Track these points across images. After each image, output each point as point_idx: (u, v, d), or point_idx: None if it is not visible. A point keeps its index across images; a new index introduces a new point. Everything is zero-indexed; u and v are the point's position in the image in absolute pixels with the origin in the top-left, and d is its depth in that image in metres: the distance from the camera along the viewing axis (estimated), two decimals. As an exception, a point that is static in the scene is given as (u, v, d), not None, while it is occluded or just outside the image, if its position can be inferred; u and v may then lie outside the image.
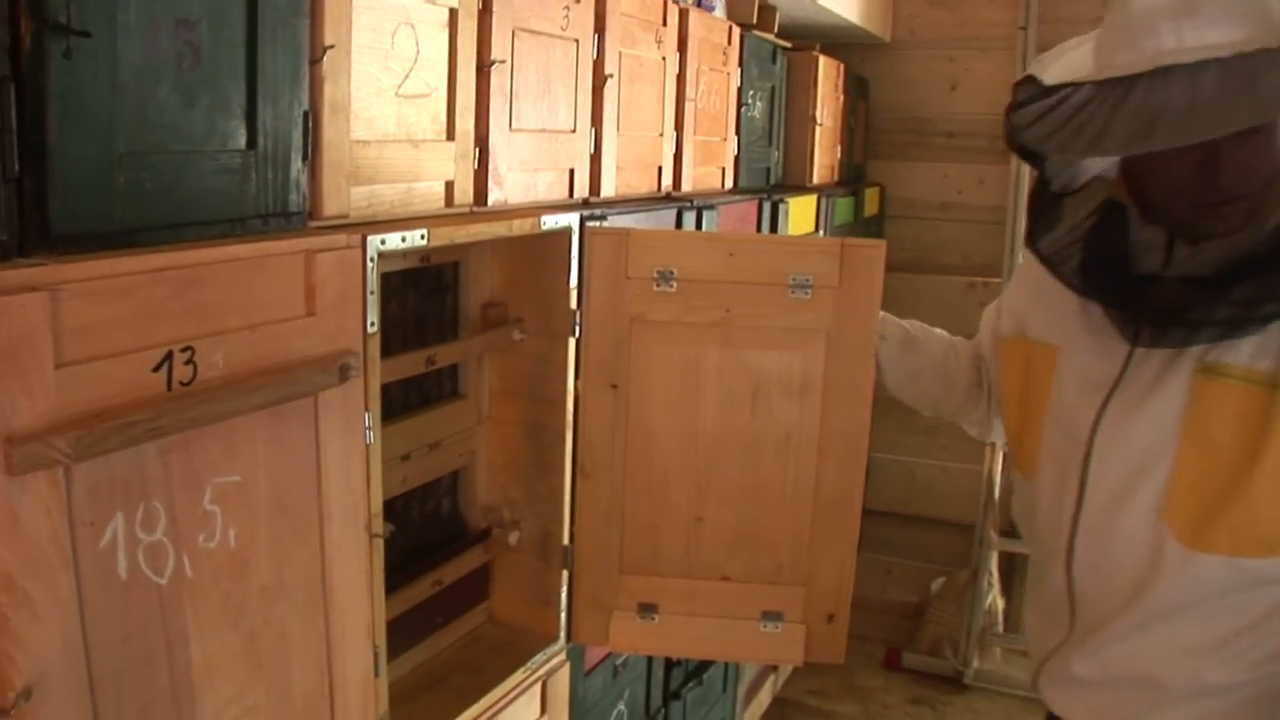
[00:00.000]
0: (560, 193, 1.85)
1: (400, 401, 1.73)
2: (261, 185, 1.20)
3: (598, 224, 1.76)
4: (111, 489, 1.00)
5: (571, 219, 1.72)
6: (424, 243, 1.37)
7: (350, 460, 1.28)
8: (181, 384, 1.05)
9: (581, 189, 1.90)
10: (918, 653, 3.90)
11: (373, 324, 1.29)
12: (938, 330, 1.74)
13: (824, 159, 3.34)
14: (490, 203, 1.62)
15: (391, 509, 1.70)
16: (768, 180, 2.95)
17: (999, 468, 3.71)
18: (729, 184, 2.62)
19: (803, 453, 1.68)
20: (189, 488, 1.08)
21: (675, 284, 1.63)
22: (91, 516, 0.99)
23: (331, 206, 1.31)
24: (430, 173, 1.50)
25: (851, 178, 3.76)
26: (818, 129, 3.22)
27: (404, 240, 1.34)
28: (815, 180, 3.25)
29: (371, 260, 1.28)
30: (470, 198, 1.59)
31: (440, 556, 1.79)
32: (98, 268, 0.98)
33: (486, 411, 1.90)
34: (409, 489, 1.74)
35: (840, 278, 1.58)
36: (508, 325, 1.82)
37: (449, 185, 1.54)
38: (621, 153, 2.01)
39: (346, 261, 1.24)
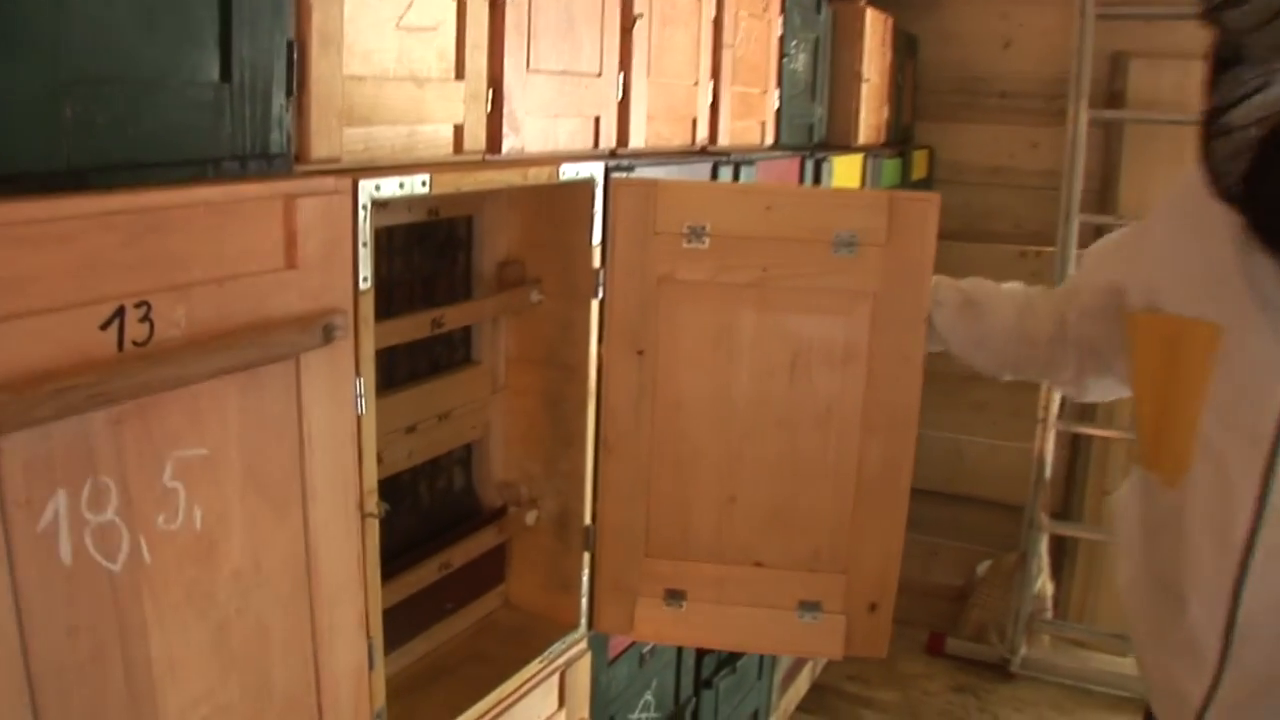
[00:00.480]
0: (584, 142, 1.70)
1: (406, 368, 1.60)
2: (238, 123, 1.06)
3: (624, 175, 1.62)
4: (51, 463, 0.87)
5: (595, 169, 1.58)
6: (425, 190, 1.23)
7: (338, 432, 1.15)
8: (135, 344, 0.92)
9: (608, 139, 1.75)
10: (962, 638, 3.76)
11: (365, 280, 1.15)
12: (1008, 285, 1.55)
13: (870, 118, 3.19)
14: (505, 150, 1.48)
15: (396, 485, 1.58)
16: (810, 138, 2.81)
17: (1050, 446, 3.54)
18: (769, 140, 2.47)
19: (845, 427, 1.56)
20: (146, 462, 0.95)
21: (707, 240, 1.51)
22: (28, 495, 0.86)
23: (321, 148, 1.17)
24: (436, 115, 1.35)
25: (899, 139, 3.61)
26: (864, 85, 3.07)
27: (402, 187, 1.19)
28: (861, 140, 3.10)
29: (364, 208, 1.14)
30: (482, 144, 1.44)
31: (449, 537, 1.65)
32: (30, 210, 0.84)
33: (502, 380, 1.76)
34: (416, 464, 1.61)
35: (889, 234, 1.45)
36: (525, 285, 1.68)
37: (458, 129, 1.40)
38: (652, 101, 1.86)
39: (334, 209, 1.10)
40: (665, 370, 1.57)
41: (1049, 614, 3.72)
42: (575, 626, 1.76)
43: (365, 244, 1.14)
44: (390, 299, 1.52)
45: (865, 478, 1.57)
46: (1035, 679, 3.61)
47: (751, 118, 2.36)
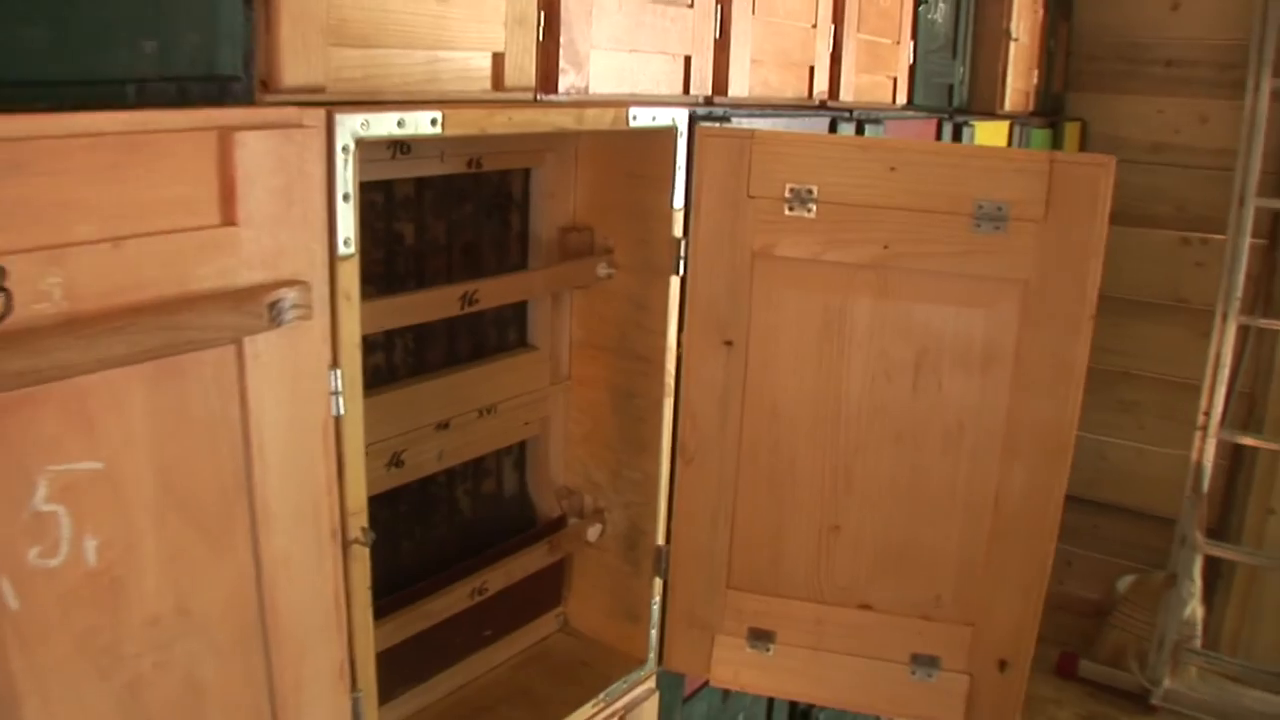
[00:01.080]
0: (672, 86, 1.42)
1: (442, 352, 1.34)
2: (168, 34, 0.80)
3: (714, 124, 1.33)
4: None
5: (676, 115, 1.29)
6: (436, 130, 0.96)
7: (305, 440, 0.89)
8: (-18, 321, 0.66)
9: (702, 84, 1.47)
10: (1097, 661, 3.46)
11: (347, 243, 0.89)
12: None
13: (1018, 82, 2.89)
14: (562, 89, 1.20)
15: (427, 490, 1.34)
16: (949, 99, 2.52)
17: (1210, 455, 3.18)
18: (901, 99, 2.17)
19: (981, 447, 1.35)
20: (5, 479, 0.70)
21: (814, 207, 1.29)
22: None
23: (296, 74, 0.90)
24: (465, 40, 1.08)
25: (1049, 109, 3.30)
26: (1012, 45, 2.77)
27: (401, 125, 0.92)
28: (1007, 107, 2.80)
29: (344, 149, 0.87)
30: (532, 80, 1.17)
31: (488, 556, 1.39)
32: None
33: (565, 369, 1.50)
34: (448, 466, 1.35)
35: (1048, 206, 1.18)
36: (592, 256, 1.41)
37: (498, 59, 1.12)
38: (758, 43, 1.57)
39: (297, 149, 0.84)
40: (758, 366, 1.38)
41: (1198, 642, 3.37)
42: (642, 662, 1.50)
43: (347, 197, 0.88)
44: (421, 269, 1.26)
45: (1004, 510, 1.35)
46: (1179, 714, 3.30)
47: (881, 72, 2.06)
